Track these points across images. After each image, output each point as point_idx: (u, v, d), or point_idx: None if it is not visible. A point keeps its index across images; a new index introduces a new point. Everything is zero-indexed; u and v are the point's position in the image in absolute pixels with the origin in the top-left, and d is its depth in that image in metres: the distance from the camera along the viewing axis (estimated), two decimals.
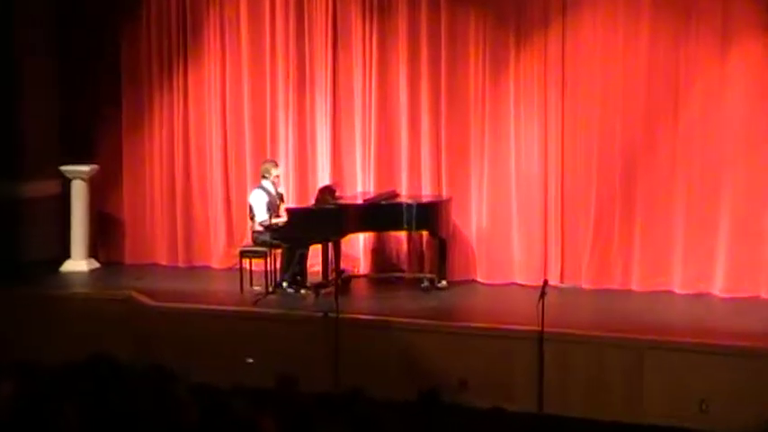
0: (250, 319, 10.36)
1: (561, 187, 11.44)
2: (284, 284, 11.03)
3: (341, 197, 11.46)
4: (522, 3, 11.42)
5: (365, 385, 6.81)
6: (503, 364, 9.39)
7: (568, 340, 9.23)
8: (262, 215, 11.12)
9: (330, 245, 11.29)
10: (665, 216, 11.03)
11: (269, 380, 6.92)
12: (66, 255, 12.45)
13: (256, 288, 11.11)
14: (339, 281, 10.09)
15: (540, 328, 8.50)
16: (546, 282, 9.15)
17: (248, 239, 11.59)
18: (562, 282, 11.37)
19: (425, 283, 11.34)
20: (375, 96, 11.99)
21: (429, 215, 11.12)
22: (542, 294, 8.48)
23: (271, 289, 10.94)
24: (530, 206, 11.51)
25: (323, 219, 10.97)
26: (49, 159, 12.58)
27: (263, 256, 11.13)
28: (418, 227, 11.20)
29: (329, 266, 11.27)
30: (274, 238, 11.03)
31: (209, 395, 6.28)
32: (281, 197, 11.41)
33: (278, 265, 11.17)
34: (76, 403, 6.12)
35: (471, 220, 11.79)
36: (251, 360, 9.68)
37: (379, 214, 11.11)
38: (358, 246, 12.09)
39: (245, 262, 11.30)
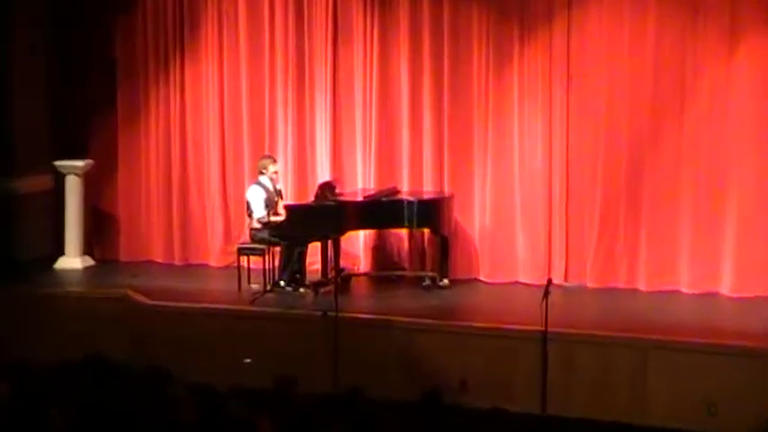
0: (248, 319, 10.38)
1: (566, 184, 11.45)
2: (282, 283, 11.04)
3: (341, 194, 11.47)
4: None
5: (365, 385, 6.84)
6: (505, 364, 9.41)
7: (572, 340, 9.26)
8: (260, 212, 11.14)
9: (329, 242, 11.30)
10: (672, 214, 11.04)
11: (267, 380, 6.95)
12: (60, 252, 12.47)
13: (254, 286, 11.13)
14: (339, 279, 10.09)
15: (543, 328, 8.51)
16: (550, 280, 9.15)
17: (246, 237, 11.61)
18: (566, 280, 11.39)
19: (427, 282, 11.35)
20: (376, 92, 12.00)
21: (431, 212, 11.14)
22: (546, 293, 8.48)
23: (269, 287, 10.95)
24: (533, 203, 11.52)
25: (322, 216, 10.99)
26: (42, 154, 12.58)
27: (260, 253, 11.15)
28: (419, 224, 11.22)
29: (328, 264, 11.28)
30: (272, 236, 11.04)
31: (206, 395, 6.31)
32: (279, 194, 11.43)
33: (276, 263, 11.18)
34: (70, 404, 6.15)
35: (474, 217, 11.80)
36: (249, 360, 9.69)
37: (380, 211, 11.12)
38: (358, 243, 12.11)
39: (243, 260, 11.31)
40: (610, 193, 11.24)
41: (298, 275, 11.14)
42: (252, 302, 10.65)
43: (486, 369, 9.42)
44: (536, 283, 11.02)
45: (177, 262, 12.80)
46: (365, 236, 12.05)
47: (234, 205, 12.54)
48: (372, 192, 11.58)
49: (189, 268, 12.65)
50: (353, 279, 11.69)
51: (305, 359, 9.51)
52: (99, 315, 10.75)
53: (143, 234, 13.01)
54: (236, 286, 11.20)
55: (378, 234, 12.07)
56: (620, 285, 11.18)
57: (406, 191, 11.74)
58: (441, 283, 11.28)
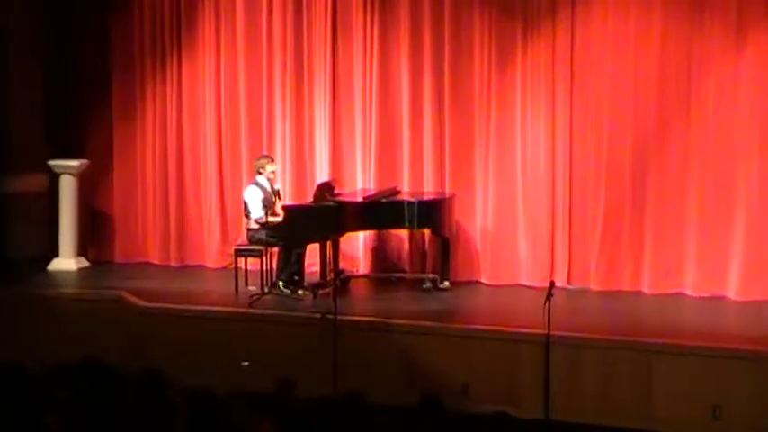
0: (245, 321, 10.39)
1: (569, 184, 11.45)
2: (281, 285, 11.02)
3: (340, 194, 11.47)
4: None
5: (364, 390, 6.83)
6: (508, 368, 9.41)
7: (576, 344, 9.26)
8: (257, 212, 11.13)
9: (328, 244, 11.31)
10: (677, 215, 11.04)
11: (265, 384, 6.95)
12: (54, 253, 12.47)
13: (251, 288, 11.12)
14: (338, 281, 10.09)
15: (546, 332, 8.52)
16: (553, 283, 9.14)
17: (243, 238, 11.60)
18: (569, 283, 11.39)
19: (427, 284, 11.36)
20: (376, 90, 12.00)
21: (431, 213, 11.13)
22: (549, 296, 8.49)
23: (266, 289, 10.94)
24: (536, 204, 11.52)
25: (321, 216, 10.99)
26: (36, 154, 12.59)
27: (258, 255, 11.14)
28: (420, 225, 11.22)
29: (327, 266, 11.29)
30: (270, 237, 11.04)
31: (203, 400, 6.30)
32: (277, 194, 11.42)
33: (274, 265, 11.18)
34: (64, 408, 6.14)
35: (475, 218, 11.81)
36: (246, 363, 9.70)
37: (380, 212, 11.12)
38: (357, 245, 12.11)
39: (240, 261, 11.31)
40: (614, 194, 11.24)
41: (296, 277, 11.13)
42: (249, 305, 10.64)
43: (487, 373, 9.42)
44: (539, 285, 11.02)
45: (173, 263, 12.81)
46: (365, 237, 12.06)
47: (231, 206, 12.54)
48: (372, 192, 11.58)
49: (185, 270, 12.67)
50: (353, 281, 11.69)
51: (303, 363, 9.50)
52: (94, 317, 10.76)
53: (139, 235, 13.02)
54: (234, 288, 11.19)
55: (377, 235, 12.07)
56: (625, 288, 11.18)
57: (406, 191, 11.74)
58: (441, 286, 11.29)
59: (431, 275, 11.50)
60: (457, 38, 11.71)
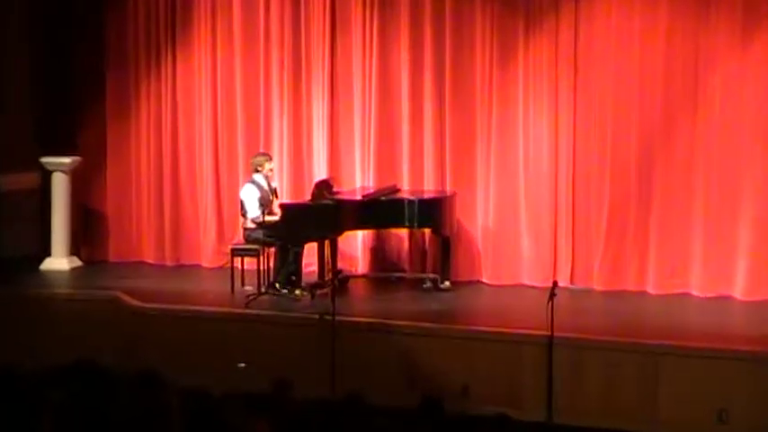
0: (241, 322, 10.41)
1: (572, 182, 11.48)
2: (278, 285, 11.04)
3: (338, 192, 11.49)
4: None
5: (363, 391, 6.85)
6: (509, 369, 9.43)
7: (579, 345, 9.28)
8: (254, 211, 11.15)
9: (327, 243, 11.33)
10: (683, 213, 11.06)
11: (262, 385, 6.97)
12: (47, 252, 12.48)
13: (248, 288, 11.14)
14: (336, 281, 10.11)
15: (549, 333, 8.55)
16: (555, 283, 9.20)
17: (240, 237, 11.62)
18: (573, 283, 11.41)
19: (428, 284, 11.38)
20: (375, 86, 12.02)
21: (432, 211, 11.16)
22: (552, 296, 8.52)
23: (263, 289, 10.95)
24: (539, 202, 11.55)
25: (319, 215, 11.01)
26: (28, 150, 12.60)
27: (255, 254, 11.16)
28: (420, 224, 11.24)
29: (326, 266, 11.31)
30: (267, 236, 11.06)
31: (199, 401, 6.32)
32: (274, 192, 11.44)
33: (271, 265, 11.19)
34: (58, 410, 6.17)
35: (477, 216, 11.83)
36: (243, 364, 9.72)
37: (379, 210, 11.14)
38: (356, 244, 12.14)
39: (237, 261, 11.34)
40: (618, 192, 11.26)
41: (293, 277, 11.14)
42: (246, 305, 10.66)
43: (489, 375, 9.44)
44: (541, 285, 11.06)
45: (168, 263, 12.82)
46: (364, 236, 12.08)
47: (227, 204, 12.56)
48: (371, 190, 11.60)
49: (181, 269, 12.68)
50: (351, 281, 11.72)
51: (301, 364, 9.52)
52: (87, 318, 10.77)
53: (133, 234, 13.03)
54: (230, 288, 11.22)
55: (377, 234, 12.10)
56: (629, 288, 11.21)
57: (406, 189, 11.77)
58: (442, 286, 11.31)
59: (431, 275, 11.52)
60: (458, 33, 11.73)
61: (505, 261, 11.70)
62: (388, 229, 11.95)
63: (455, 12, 11.71)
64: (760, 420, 8.70)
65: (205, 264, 12.69)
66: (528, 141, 11.58)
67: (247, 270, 11.31)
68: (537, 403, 8.87)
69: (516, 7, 11.54)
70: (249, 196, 11.20)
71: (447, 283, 11.35)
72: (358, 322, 10.03)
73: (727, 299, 10.82)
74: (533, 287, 11.35)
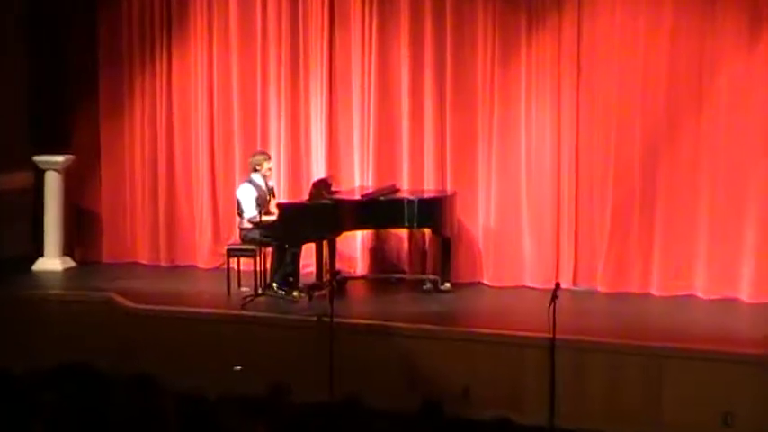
0: (238, 323, 10.42)
1: (575, 183, 11.48)
2: (275, 286, 11.05)
3: (337, 192, 11.50)
4: None
5: (362, 394, 6.86)
6: (511, 372, 9.44)
7: (582, 348, 9.29)
8: (250, 211, 11.16)
9: (325, 243, 11.32)
10: (688, 214, 11.07)
11: (259, 388, 6.98)
12: (39, 252, 12.49)
13: (245, 290, 11.15)
14: (334, 282, 10.11)
15: (551, 335, 8.55)
16: (558, 284, 9.19)
17: (236, 237, 11.63)
18: (575, 284, 11.42)
19: (428, 285, 11.39)
20: (375, 83, 12.03)
21: (432, 212, 11.17)
22: (554, 298, 8.52)
23: (260, 291, 10.96)
24: (541, 203, 11.55)
25: (317, 215, 11.02)
26: (20, 149, 12.61)
27: (252, 255, 11.16)
28: (420, 224, 11.25)
29: (324, 267, 11.30)
30: (264, 236, 11.06)
31: (195, 403, 6.33)
32: (271, 192, 11.45)
33: (268, 265, 11.20)
34: (51, 413, 6.17)
35: (478, 217, 11.84)
36: (239, 367, 9.73)
37: (378, 210, 11.14)
38: (355, 244, 12.14)
39: (233, 261, 11.33)
40: (622, 192, 11.26)
41: (291, 278, 11.14)
42: (242, 306, 10.67)
43: (490, 378, 9.45)
44: (543, 286, 11.06)
45: (163, 263, 12.83)
46: (362, 236, 12.09)
47: (223, 204, 12.57)
48: (370, 190, 11.60)
49: (176, 270, 12.69)
50: (350, 282, 11.72)
51: (298, 367, 9.54)
52: (81, 319, 10.78)
53: (127, 234, 13.04)
54: (226, 289, 11.21)
55: (376, 235, 12.10)
56: (633, 290, 11.21)
57: (405, 189, 11.78)
58: (442, 287, 11.32)
59: (431, 276, 11.53)
60: (459, 30, 11.73)
61: (507, 262, 11.71)
62: (387, 230, 11.95)
63: (456, 8, 11.72)
64: (765, 424, 8.71)
65: (201, 264, 12.70)
66: (530, 140, 11.59)
67: (244, 271, 11.31)
68: (539, 406, 8.87)
69: (518, 4, 11.54)
70: (246, 196, 11.21)
71: (447, 285, 11.35)
72: (357, 324, 10.04)
73: (732, 301, 10.82)
74: (535, 289, 11.36)
